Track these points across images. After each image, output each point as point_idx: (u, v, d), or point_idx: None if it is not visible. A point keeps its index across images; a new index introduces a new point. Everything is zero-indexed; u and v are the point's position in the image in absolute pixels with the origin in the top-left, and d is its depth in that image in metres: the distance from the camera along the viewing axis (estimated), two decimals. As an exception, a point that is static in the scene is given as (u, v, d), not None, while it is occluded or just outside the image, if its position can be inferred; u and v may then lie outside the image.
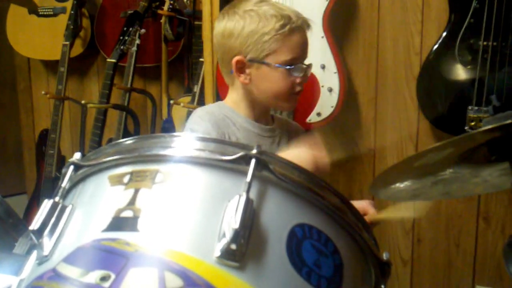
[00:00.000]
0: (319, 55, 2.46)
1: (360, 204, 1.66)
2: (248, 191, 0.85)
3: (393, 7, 2.59)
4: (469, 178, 1.26)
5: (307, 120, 2.50)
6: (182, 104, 2.87)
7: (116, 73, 3.05)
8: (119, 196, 0.91)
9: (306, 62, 1.68)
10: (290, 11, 1.65)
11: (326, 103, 2.49)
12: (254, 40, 1.61)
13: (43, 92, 3.38)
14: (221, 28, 1.67)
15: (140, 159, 0.95)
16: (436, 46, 2.38)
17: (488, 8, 2.23)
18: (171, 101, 3.03)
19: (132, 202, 0.89)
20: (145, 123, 3.43)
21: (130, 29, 2.99)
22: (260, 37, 1.60)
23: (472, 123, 2.30)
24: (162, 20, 3.05)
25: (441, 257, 2.69)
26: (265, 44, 1.61)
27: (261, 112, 1.72)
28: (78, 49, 3.41)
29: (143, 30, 3.02)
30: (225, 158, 0.90)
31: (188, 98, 2.90)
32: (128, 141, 0.99)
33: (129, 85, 3.13)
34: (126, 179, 0.93)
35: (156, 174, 0.92)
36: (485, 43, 2.27)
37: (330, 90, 2.47)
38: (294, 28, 1.61)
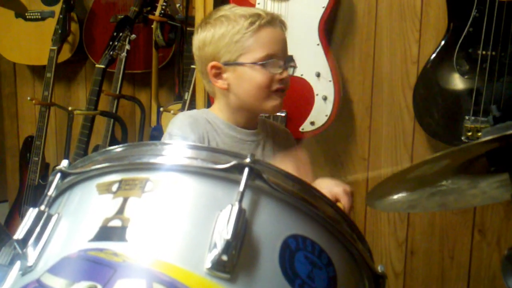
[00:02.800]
0: (314, 62, 2.44)
1: (334, 190, 1.60)
2: (240, 201, 0.84)
3: (390, 15, 2.56)
4: (467, 189, 1.24)
5: (300, 129, 2.46)
6: (172, 112, 2.85)
7: (105, 79, 3.00)
8: (107, 205, 0.89)
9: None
10: (260, 10, 1.66)
11: (320, 111, 2.46)
12: (225, 43, 1.61)
13: (29, 98, 3.32)
14: (196, 41, 1.68)
15: (129, 167, 0.94)
16: (434, 55, 2.35)
17: (488, 17, 2.21)
18: (161, 109, 3.01)
19: (120, 211, 0.87)
20: (133, 131, 3.39)
21: (120, 34, 2.96)
22: (230, 38, 1.60)
23: (469, 133, 2.28)
24: (153, 26, 3.02)
25: (434, 270, 2.67)
26: (236, 44, 1.60)
27: (246, 118, 1.70)
28: (65, 54, 3.36)
29: (133, 36, 2.98)
30: (218, 166, 0.89)
31: (178, 106, 2.87)
32: (118, 148, 0.98)
33: (117, 92, 3.09)
34: (114, 187, 0.91)
35: (146, 182, 0.90)
36: (484, 52, 2.25)
37: (325, 98, 2.44)
38: (264, 24, 1.60)
